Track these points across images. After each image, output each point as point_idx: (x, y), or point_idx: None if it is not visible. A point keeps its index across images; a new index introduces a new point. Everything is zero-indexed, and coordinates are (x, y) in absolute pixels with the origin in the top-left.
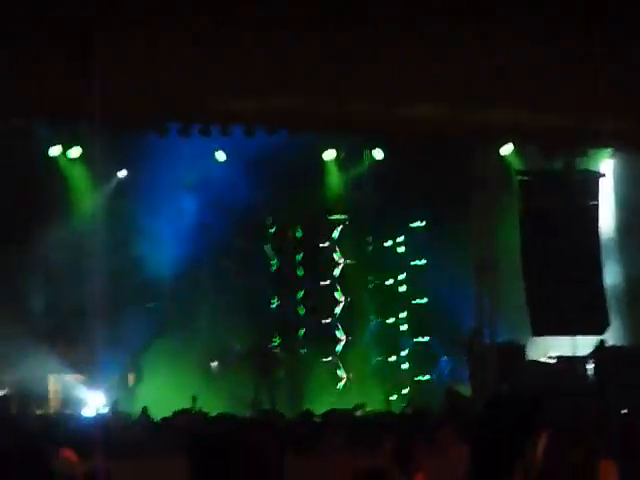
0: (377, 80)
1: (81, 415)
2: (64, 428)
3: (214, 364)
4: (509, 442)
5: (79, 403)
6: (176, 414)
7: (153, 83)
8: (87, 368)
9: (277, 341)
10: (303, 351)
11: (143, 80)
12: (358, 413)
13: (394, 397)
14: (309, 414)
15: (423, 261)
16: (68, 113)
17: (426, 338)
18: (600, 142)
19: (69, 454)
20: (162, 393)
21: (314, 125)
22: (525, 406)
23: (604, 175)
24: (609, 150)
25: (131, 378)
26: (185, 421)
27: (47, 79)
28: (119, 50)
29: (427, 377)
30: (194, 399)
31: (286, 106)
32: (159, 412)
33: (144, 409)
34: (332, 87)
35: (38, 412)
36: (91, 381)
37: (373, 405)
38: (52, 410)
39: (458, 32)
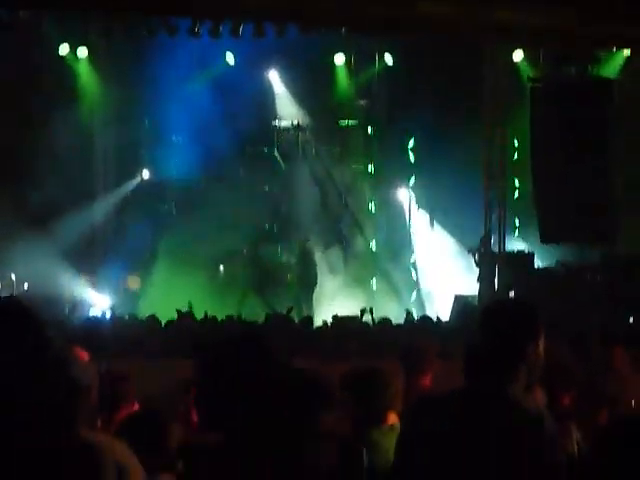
0: None
1: (89, 316)
2: (72, 329)
3: (221, 268)
4: (508, 346)
5: (87, 305)
6: (180, 317)
7: None
8: (94, 269)
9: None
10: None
11: None
12: (365, 318)
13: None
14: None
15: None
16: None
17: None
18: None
19: (81, 353)
20: (167, 296)
21: (326, 22)
22: (523, 310)
23: (617, 80)
24: (622, 56)
25: (135, 281)
26: (190, 324)
27: None
28: None
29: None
30: (190, 305)
31: (298, 2)
32: (165, 314)
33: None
34: None
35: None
36: (97, 283)
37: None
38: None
39: None
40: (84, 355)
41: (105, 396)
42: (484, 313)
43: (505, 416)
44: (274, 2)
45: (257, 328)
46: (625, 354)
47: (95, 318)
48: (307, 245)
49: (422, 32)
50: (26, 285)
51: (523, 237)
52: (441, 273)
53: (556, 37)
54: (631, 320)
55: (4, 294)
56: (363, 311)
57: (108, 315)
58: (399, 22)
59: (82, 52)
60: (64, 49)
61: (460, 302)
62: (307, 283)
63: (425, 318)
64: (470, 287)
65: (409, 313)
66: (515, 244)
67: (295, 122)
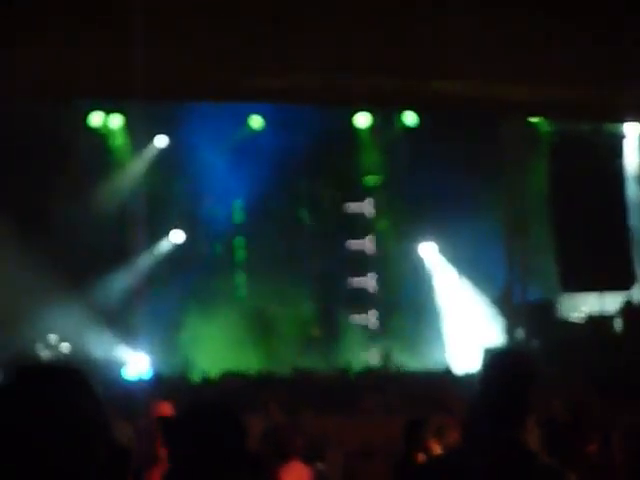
0: (408, 57)
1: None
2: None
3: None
4: (517, 396)
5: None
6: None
7: (187, 58)
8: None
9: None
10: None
11: (177, 56)
12: (389, 367)
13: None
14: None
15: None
16: (111, 91)
17: None
18: (626, 116)
19: (167, 407)
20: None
21: (345, 101)
22: (524, 361)
23: (628, 136)
24: None
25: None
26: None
27: (88, 56)
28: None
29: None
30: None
31: (316, 83)
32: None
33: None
34: (364, 63)
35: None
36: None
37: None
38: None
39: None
40: (168, 409)
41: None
42: (486, 366)
43: (527, 467)
44: (296, 85)
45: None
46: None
47: (136, 379)
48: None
49: (438, 108)
50: (65, 346)
51: (545, 287)
52: (467, 324)
53: (572, 110)
54: None
55: (45, 355)
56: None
57: (149, 375)
58: (415, 99)
59: (115, 121)
60: (96, 118)
61: (487, 354)
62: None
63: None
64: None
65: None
66: (538, 293)
67: (320, 181)
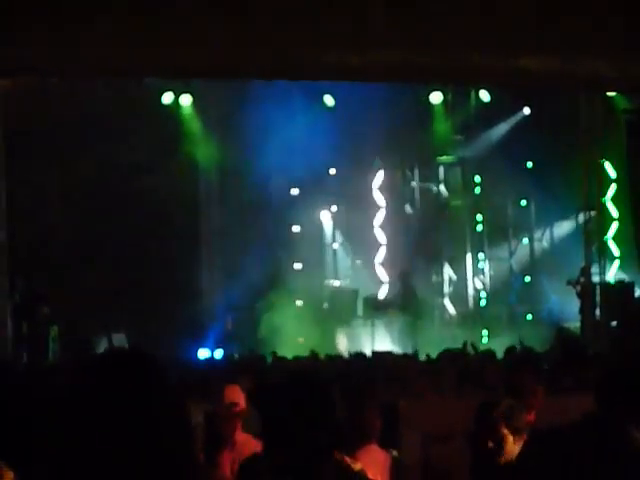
0: (487, 32)
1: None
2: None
3: (325, 305)
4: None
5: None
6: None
7: (265, 34)
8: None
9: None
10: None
11: (252, 32)
12: (470, 351)
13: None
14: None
15: (532, 200)
16: (185, 71)
17: (536, 277)
18: None
19: (236, 390)
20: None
21: (422, 78)
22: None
23: None
24: None
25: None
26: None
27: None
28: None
29: (537, 315)
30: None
31: (393, 60)
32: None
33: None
34: (441, 40)
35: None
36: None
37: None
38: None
39: None
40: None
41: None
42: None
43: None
44: (374, 62)
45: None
46: None
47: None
48: (408, 277)
49: (515, 85)
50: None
51: (623, 268)
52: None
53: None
54: None
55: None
56: (465, 344)
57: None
58: (494, 76)
59: (186, 100)
60: (168, 97)
61: (563, 334)
62: (411, 315)
63: (528, 350)
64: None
65: (512, 347)
66: (616, 274)
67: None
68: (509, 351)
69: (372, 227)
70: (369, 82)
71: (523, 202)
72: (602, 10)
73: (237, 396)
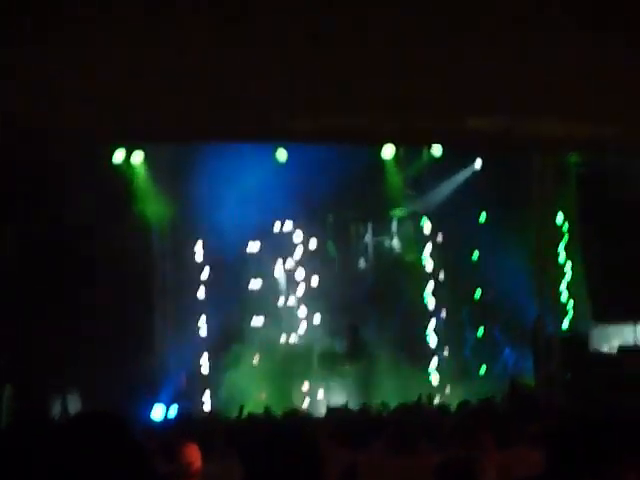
0: (437, 94)
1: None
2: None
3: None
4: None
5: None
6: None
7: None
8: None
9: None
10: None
11: (206, 95)
12: (424, 404)
13: (455, 389)
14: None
15: (484, 254)
16: (137, 134)
17: (489, 330)
18: None
19: (194, 449)
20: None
21: (374, 141)
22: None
23: None
24: None
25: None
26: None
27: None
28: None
29: (491, 368)
30: (241, 408)
31: (345, 124)
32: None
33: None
34: (392, 102)
35: None
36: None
37: (438, 398)
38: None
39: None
40: (196, 451)
41: None
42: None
43: None
44: (323, 124)
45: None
46: None
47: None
48: (357, 331)
49: (470, 146)
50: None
51: (576, 318)
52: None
53: (599, 147)
54: None
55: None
56: (420, 397)
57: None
58: (445, 136)
59: (137, 157)
60: (119, 155)
61: (516, 386)
62: (362, 368)
63: (482, 404)
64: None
65: (466, 401)
66: (569, 325)
67: (348, 214)
68: (463, 405)
69: (325, 281)
70: (320, 144)
71: (475, 255)
72: (555, 75)
73: (194, 455)
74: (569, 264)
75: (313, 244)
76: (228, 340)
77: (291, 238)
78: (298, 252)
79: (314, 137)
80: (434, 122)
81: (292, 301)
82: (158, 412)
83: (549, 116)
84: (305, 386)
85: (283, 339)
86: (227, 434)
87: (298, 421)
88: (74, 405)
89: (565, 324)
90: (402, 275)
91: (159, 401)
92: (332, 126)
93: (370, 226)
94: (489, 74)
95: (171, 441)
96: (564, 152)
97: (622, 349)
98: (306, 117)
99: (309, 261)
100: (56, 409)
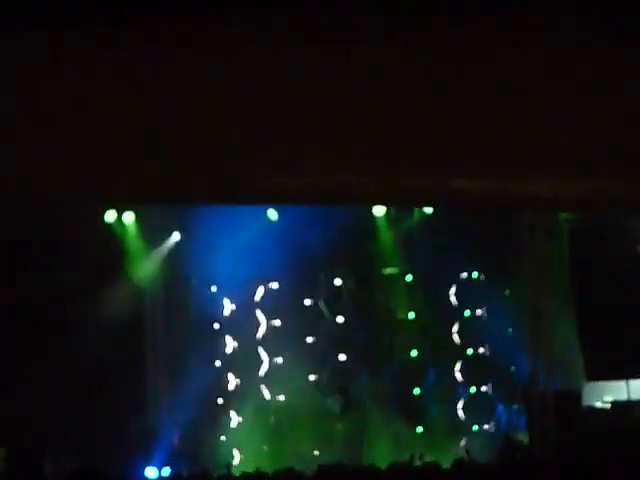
0: (422, 154)
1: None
2: None
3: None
4: None
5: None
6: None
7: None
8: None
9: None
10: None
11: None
12: (417, 464)
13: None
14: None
15: (476, 311)
16: (123, 197)
17: (482, 388)
18: None
19: None
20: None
21: (359, 201)
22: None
23: None
24: None
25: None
26: None
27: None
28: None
29: (484, 426)
30: (228, 467)
31: (330, 184)
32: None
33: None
34: (376, 162)
35: None
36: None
37: (430, 456)
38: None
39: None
40: None
41: None
42: None
43: None
44: (309, 190)
45: None
46: None
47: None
48: (347, 391)
49: (455, 206)
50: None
51: (570, 375)
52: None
53: (588, 207)
54: None
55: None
56: (413, 456)
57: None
58: (431, 197)
59: (129, 217)
60: (111, 215)
61: (510, 442)
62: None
63: (475, 462)
64: None
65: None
66: (563, 382)
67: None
68: (457, 463)
69: (317, 340)
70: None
71: (467, 313)
72: (537, 136)
73: None
74: (562, 321)
75: (305, 303)
76: (220, 399)
77: (282, 297)
78: (290, 311)
79: (297, 198)
80: (419, 183)
81: (285, 360)
82: (151, 473)
83: (535, 178)
84: (297, 445)
85: (275, 398)
86: None
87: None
88: (67, 465)
89: (558, 381)
90: (394, 335)
91: (152, 462)
92: (316, 186)
93: (360, 283)
94: (474, 135)
95: None
96: (549, 210)
97: (616, 404)
98: (289, 177)
99: (301, 320)
100: (48, 469)
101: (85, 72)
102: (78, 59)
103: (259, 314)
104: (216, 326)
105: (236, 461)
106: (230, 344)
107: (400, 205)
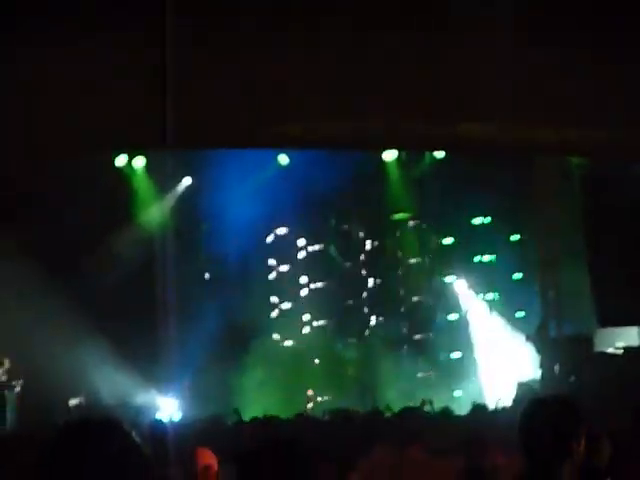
0: (427, 100)
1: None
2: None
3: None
4: (551, 445)
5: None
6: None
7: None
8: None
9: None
10: (372, 349)
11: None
12: (426, 409)
13: (460, 393)
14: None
15: (487, 257)
16: (136, 140)
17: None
18: None
19: (208, 453)
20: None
21: (367, 146)
22: (561, 409)
23: None
24: None
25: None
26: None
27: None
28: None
29: None
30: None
31: (336, 130)
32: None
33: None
34: (382, 107)
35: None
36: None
37: (440, 401)
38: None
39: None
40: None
41: None
42: (524, 416)
43: None
44: (314, 130)
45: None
46: None
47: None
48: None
49: (466, 151)
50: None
51: (580, 322)
52: (501, 361)
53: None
54: None
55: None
56: (424, 402)
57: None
58: (443, 142)
59: (139, 162)
60: (121, 160)
61: (522, 389)
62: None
63: (485, 407)
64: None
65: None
66: (573, 328)
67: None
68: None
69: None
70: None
71: (476, 258)
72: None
73: (211, 459)
74: (573, 268)
75: (315, 248)
76: (232, 344)
77: (293, 242)
78: (300, 256)
79: (305, 143)
80: (425, 128)
81: (295, 305)
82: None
83: (536, 122)
84: (308, 390)
85: (286, 343)
86: (225, 439)
87: (300, 424)
88: (78, 407)
89: (569, 327)
90: (403, 280)
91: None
92: (323, 132)
93: (372, 229)
94: (480, 80)
95: (182, 445)
96: (552, 155)
97: (628, 350)
98: (297, 123)
99: (312, 265)
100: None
101: None
102: None
103: (270, 259)
104: (227, 270)
105: (246, 405)
106: (241, 288)
107: (411, 150)
